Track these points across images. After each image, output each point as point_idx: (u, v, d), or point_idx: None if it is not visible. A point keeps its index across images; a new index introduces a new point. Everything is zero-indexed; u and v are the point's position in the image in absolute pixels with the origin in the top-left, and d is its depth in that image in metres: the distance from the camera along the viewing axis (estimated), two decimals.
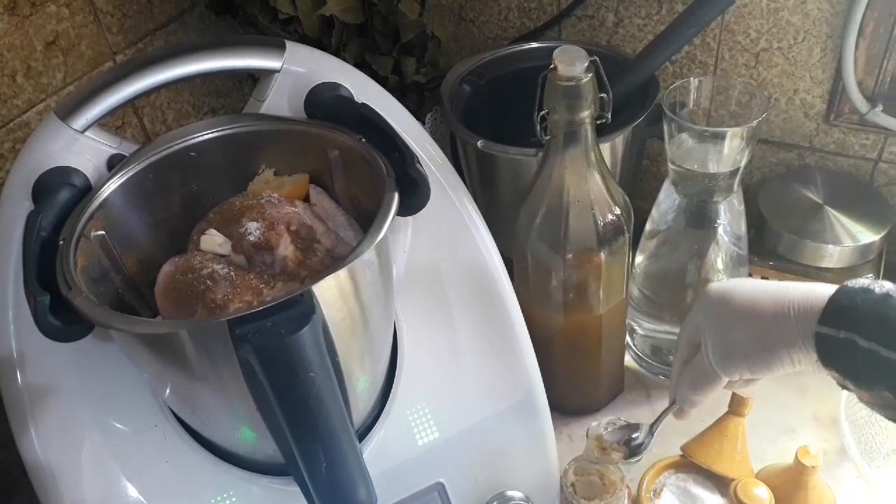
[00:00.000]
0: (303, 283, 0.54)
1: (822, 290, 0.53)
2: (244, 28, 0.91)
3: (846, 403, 0.79)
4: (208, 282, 0.52)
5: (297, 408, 0.44)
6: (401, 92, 0.95)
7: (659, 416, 0.68)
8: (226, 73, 0.66)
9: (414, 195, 0.55)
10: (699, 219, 0.78)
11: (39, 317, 0.47)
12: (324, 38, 0.88)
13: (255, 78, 1.07)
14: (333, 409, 0.45)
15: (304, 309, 0.44)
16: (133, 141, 0.64)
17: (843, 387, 0.54)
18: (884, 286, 0.50)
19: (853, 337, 0.49)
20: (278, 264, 0.54)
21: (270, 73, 0.65)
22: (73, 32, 0.83)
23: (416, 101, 0.99)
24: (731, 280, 0.67)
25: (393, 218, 0.51)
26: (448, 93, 0.91)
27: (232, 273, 0.53)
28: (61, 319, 0.48)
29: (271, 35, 0.88)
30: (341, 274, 0.48)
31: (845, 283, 0.52)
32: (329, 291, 0.49)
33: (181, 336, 0.48)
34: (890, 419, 0.52)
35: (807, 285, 0.55)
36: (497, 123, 0.87)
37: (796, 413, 0.85)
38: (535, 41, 0.98)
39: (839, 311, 0.51)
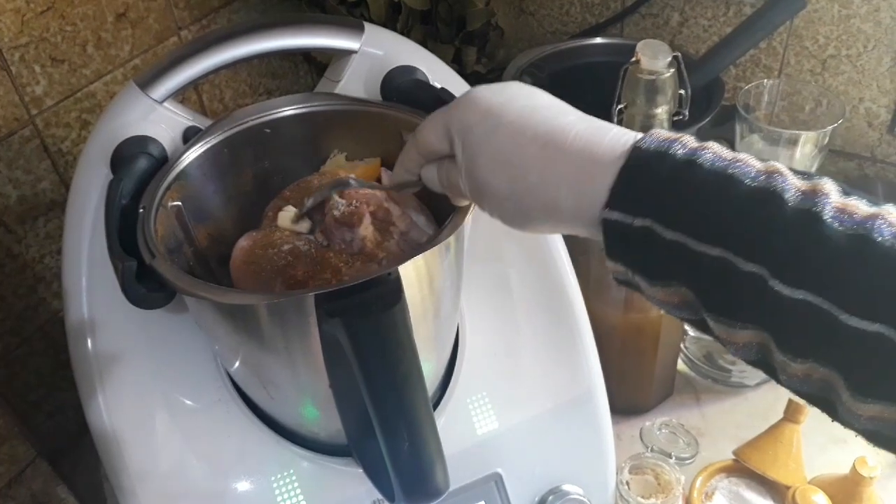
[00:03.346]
0: (380, 264, 0.54)
1: (610, 149, 0.39)
2: (310, 9, 0.91)
3: None
4: (289, 257, 0.52)
5: (385, 385, 0.44)
6: None
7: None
8: (302, 52, 0.66)
9: None
10: None
11: (126, 283, 0.47)
12: (388, 22, 0.88)
13: (310, 61, 1.08)
14: (418, 389, 0.45)
15: (393, 287, 0.44)
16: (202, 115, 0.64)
17: (625, 283, 0.42)
18: (686, 144, 0.38)
19: (653, 226, 0.37)
20: (357, 244, 0.54)
21: (347, 53, 0.65)
22: (143, 5, 0.83)
23: None
24: (503, 88, 0.45)
25: (473, 204, 0.51)
26: None
27: (312, 250, 0.53)
28: (144, 286, 0.48)
29: (338, 16, 0.88)
30: (424, 257, 0.48)
31: (639, 142, 0.39)
32: (411, 274, 0.48)
33: (263, 309, 0.48)
34: (682, 319, 0.40)
35: (592, 132, 0.40)
36: None
37: None
38: (598, 37, 0.97)
39: (633, 190, 0.38)
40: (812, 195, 0.34)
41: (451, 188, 0.48)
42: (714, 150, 0.37)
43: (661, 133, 0.39)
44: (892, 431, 0.34)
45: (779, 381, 0.37)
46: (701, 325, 0.39)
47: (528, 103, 0.43)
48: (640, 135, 0.39)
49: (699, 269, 0.36)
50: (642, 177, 0.38)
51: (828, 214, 0.33)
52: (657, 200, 0.37)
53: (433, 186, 0.50)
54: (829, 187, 0.35)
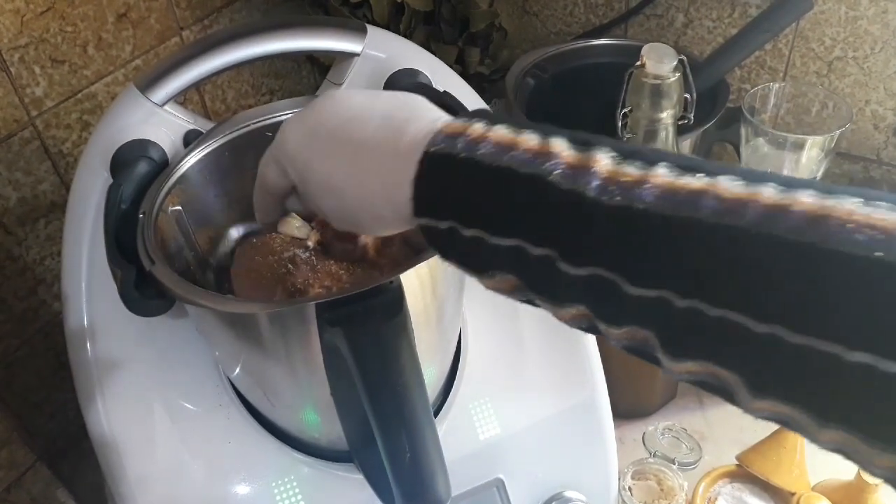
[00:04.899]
0: (381, 271, 0.53)
1: (408, 154, 0.39)
2: (313, 10, 0.91)
3: None
4: (289, 265, 0.51)
5: (386, 395, 0.43)
6: None
7: None
8: (305, 54, 0.66)
9: None
10: None
11: (125, 290, 0.47)
12: (391, 23, 0.88)
13: (313, 61, 1.07)
14: (420, 399, 0.44)
15: (394, 296, 0.44)
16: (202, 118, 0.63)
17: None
18: (468, 137, 0.38)
19: (455, 226, 0.38)
20: (359, 251, 0.54)
21: (349, 56, 0.64)
22: (144, 6, 0.82)
23: (477, 93, 0.98)
24: (313, 110, 0.45)
25: None
26: (512, 85, 0.90)
27: (313, 258, 0.52)
28: (143, 293, 0.48)
29: (340, 18, 0.87)
30: (426, 264, 0.48)
31: (429, 146, 0.39)
32: (413, 281, 0.48)
33: (264, 317, 0.47)
34: (520, 301, 0.41)
35: (390, 137, 0.41)
36: (558, 118, 0.86)
37: None
38: (601, 38, 0.97)
39: (430, 196, 0.39)
40: (580, 171, 0.35)
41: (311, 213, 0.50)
42: (494, 139, 0.37)
43: (449, 127, 0.39)
44: (706, 379, 0.34)
45: (611, 342, 0.38)
46: (533, 304, 0.40)
47: (336, 121, 0.43)
48: (434, 128, 0.39)
49: (505, 259, 0.37)
50: (434, 183, 0.39)
51: (593, 191, 0.34)
52: (452, 202, 0.38)
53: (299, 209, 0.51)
54: (600, 157, 0.35)
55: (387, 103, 0.43)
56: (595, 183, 0.34)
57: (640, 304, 0.33)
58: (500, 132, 0.38)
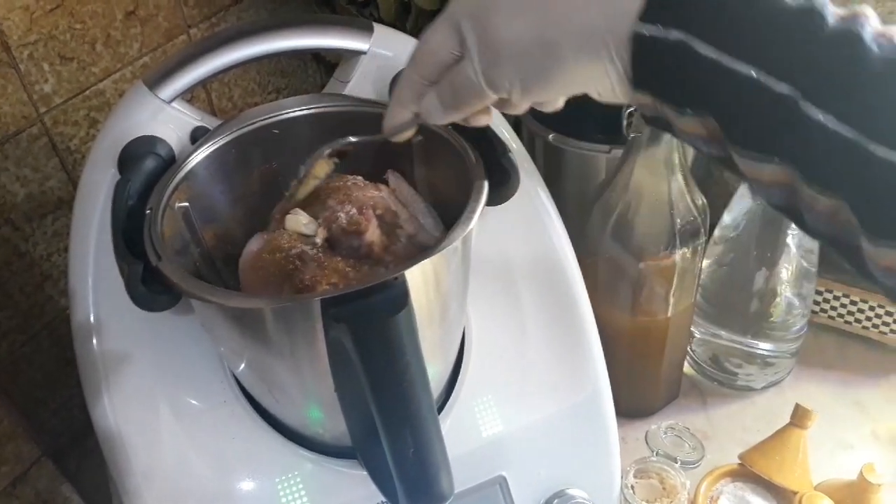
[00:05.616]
0: (387, 268, 0.54)
1: None
2: (320, 8, 0.91)
3: None
4: (297, 262, 0.52)
5: (390, 391, 0.44)
6: None
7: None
8: (311, 52, 0.66)
9: (502, 185, 0.54)
10: (772, 228, 0.76)
11: (132, 285, 0.47)
12: (398, 22, 0.88)
13: (319, 60, 1.08)
14: (423, 394, 0.44)
15: (399, 292, 0.44)
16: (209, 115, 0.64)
17: (653, 119, 0.41)
18: None
19: (689, 40, 0.35)
20: (364, 248, 0.54)
21: (356, 54, 0.64)
22: (152, 3, 0.83)
23: None
24: None
25: (483, 206, 0.51)
26: None
27: (320, 255, 0.52)
28: (150, 289, 0.48)
29: (347, 17, 0.88)
30: (431, 261, 0.48)
31: None
32: (418, 278, 0.48)
33: (269, 313, 0.48)
34: (711, 157, 0.39)
35: None
36: (562, 115, 0.86)
37: (855, 429, 0.83)
38: None
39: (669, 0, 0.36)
40: (853, 17, 0.33)
41: (458, 98, 0.46)
42: None
43: None
44: None
45: (804, 227, 0.36)
46: (728, 164, 0.38)
47: None
48: None
49: (731, 91, 0.35)
50: None
51: (867, 36, 0.32)
52: (695, 11, 0.35)
53: (435, 114, 0.48)
54: (870, 12, 0.33)
55: None
56: (869, 30, 0.32)
57: (881, 167, 0.31)
58: None
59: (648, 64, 0.37)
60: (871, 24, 0.33)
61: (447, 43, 0.44)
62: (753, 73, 0.34)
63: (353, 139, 0.55)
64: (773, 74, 0.34)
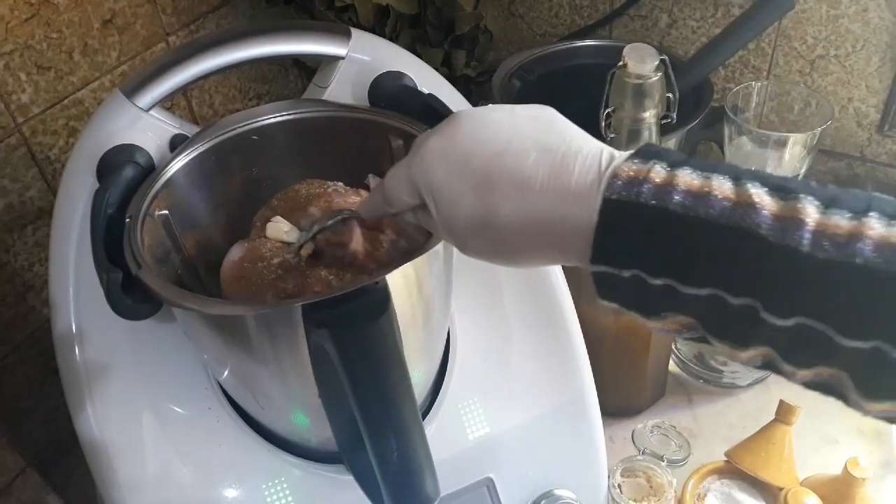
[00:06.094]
0: (371, 275, 0.53)
1: (579, 196, 0.38)
2: (298, 14, 0.91)
3: None
4: (279, 271, 0.51)
5: (373, 395, 0.43)
6: None
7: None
8: (290, 58, 0.66)
9: None
10: None
11: (112, 294, 0.47)
12: (377, 27, 0.88)
13: (300, 65, 1.08)
14: (406, 398, 0.44)
15: (380, 297, 0.44)
16: (190, 122, 0.64)
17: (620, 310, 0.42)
18: (652, 182, 0.36)
19: (640, 274, 0.37)
20: (348, 256, 0.54)
21: (335, 59, 0.64)
22: (130, 11, 0.83)
23: (463, 95, 0.99)
24: (455, 133, 0.42)
25: None
26: (498, 87, 0.91)
27: (302, 263, 0.52)
28: (131, 297, 0.48)
29: (325, 22, 0.88)
30: (412, 265, 0.48)
31: (608, 192, 0.37)
32: (399, 282, 0.48)
33: (251, 319, 0.48)
34: (687, 339, 0.40)
35: (556, 176, 0.39)
36: None
37: (839, 424, 0.84)
38: (586, 39, 0.97)
39: (613, 246, 0.38)
40: (789, 225, 0.34)
41: (432, 231, 0.48)
42: (683, 186, 0.36)
43: (624, 170, 0.37)
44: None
45: (789, 380, 0.37)
46: (704, 342, 0.39)
47: (487, 152, 0.41)
48: (600, 166, 0.38)
49: (693, 305, 0.36)
50: (618, 233, 0.37)
51: (806, 245, 0.33)
52: (639, 252, 0.37)
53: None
54: (807, 208, 0.34)
55: (531, 126, 0.41)
56: (807, 238, 0.33)
57: (851, 353, 0.33)
58: (687, 177, 0.36)
59: (608, 290, 0.39)
60: (809, 225, 0.33)
61: (411, 199, 0.45)
62: (709, 292, 0.35)
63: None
64: (729, 292, 0.35)
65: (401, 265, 0.46)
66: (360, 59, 0.64)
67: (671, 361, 0.89)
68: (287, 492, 0.59)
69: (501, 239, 0.41)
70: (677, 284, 0.36)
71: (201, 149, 0.59)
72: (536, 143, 0.40)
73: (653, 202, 0.36)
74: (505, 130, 0.41)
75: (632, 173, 0.37)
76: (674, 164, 0.37)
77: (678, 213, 0.35)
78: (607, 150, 0.39)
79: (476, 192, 0.40)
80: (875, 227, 0.33)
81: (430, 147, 0.43)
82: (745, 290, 0.34)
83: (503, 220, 0.40)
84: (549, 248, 0.40)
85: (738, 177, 0.36)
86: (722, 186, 0.35)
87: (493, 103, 0.85)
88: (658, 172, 0.37)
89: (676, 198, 0.35)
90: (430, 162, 0.42)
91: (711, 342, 0.38)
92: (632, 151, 0.38)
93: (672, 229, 0.35)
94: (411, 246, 0.56)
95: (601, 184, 0.37)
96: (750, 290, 0.34)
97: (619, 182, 0.37)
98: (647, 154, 0.38)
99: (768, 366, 0.37)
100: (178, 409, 0.59)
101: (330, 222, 0.53)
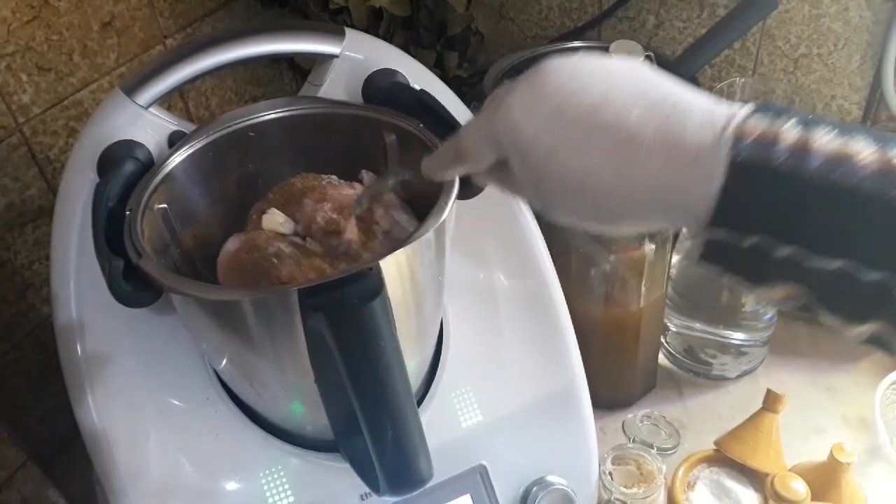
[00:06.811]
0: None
1: (696, 155, 0.34)
2: (293, 16, 0.93)
3: (881, 404, 0.80)
4: (274, 260, 0.53)
5: (367, 377, 0.45)
6: None
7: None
8: (285, 57, 0.67)
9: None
10: None
11: (113, 281, 0.48)
12: (370, 28, 0.90)
13: (295, 68, 1.09)
14: (400, 380, 0.46)
15: (373, 281, 0.45)
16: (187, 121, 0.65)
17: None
18: (785, 143, 0.33)
19: (763, 243, 0.34)
20: (343, 246, 0.55)
21: (329, 58, 0.66)
22: (128, 14, 0.84)
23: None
24: (543, 87, 0.38)
25: (455, 200, 0.52)
26: (490, 88, 0.92)
27: (297, 252, 0.54)
28: (131, 285, 0.49)
29: (319, 22, 0.89)
30: (405, 252, 0.49)
31: (734, 152, 0.33)
32: (392, 269, 0.50)
33: (247, 305, 0.49)
34: (787, 309, 0.39)
35: (667, 135, 0.35)
36: None
37: (826, 413, 0.85)
38: (575, 41, 0.99)
39: (739, 210, 0.34)
40: None
41: (510, 193, 0.45)
42: (820, 149, 0.33)
43: (750, 128, 0.34)
44: None
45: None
46: (806, 310, 0.36)
47: (582, 104, 0.37)
48: (718, 125, 0.34)
49: (815, 277, 0.34)
50: (746, 200, 0.34)
51: None
52: (768, 218, 0.34)
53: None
54: None
55: (628, 78, 0.37)
56: None
57: None
58: (824, 139, 0.33)
59: (720, 257, 0.36)
60: None
61: (491, 157, 0.42)
62: (841, 266, 0.33)
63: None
64: (863, 265, 0.33)
65: (393, 252, 0.48)
66: (354, 58, 0.66)
67: (662, 355, 0.91)
68: (284, 480, 0.60)
69: (600, 202, 0.37)
70: (806, 255, 0.33)
71: (199, 145, 0.60)
72: (638, 96, 0.36)
73: (787, 167, 0.33)
74: (600, 82, 0.37)
75: (759, 134, 0.34)
76: (807, 123, 0.34)
77: (815, 178, 0.32)
78: (720, 105, 0.36)
79: (574, 149, 0.37)
80: None
81: (516, 99, 0.39)
82: (884, 265, 0.32)
83: (604, 182, 0.37)
84: (657, 213, 0.37)
85: (879, 140, 0.33)
86: (865, 151, 0.32)
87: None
88: (790, 132, 0.33)
89: (814, 162, 0.32)
90: (518, 114, 0.39)
91: (819, 313, 0.36)
92: (750, 106, 0.35)
93: (808, 197, 0.32)
94: (403, 237, 0.58)
95: (722, 144, 0.34)
96: (890, 265, 0.32)
97: (747, 142, 0.33)
98: (772, 110, 0.34)
99: (877, 342, 0.35)
100: (177, 401, 0.61)
101: (391, 181, 0.54)
